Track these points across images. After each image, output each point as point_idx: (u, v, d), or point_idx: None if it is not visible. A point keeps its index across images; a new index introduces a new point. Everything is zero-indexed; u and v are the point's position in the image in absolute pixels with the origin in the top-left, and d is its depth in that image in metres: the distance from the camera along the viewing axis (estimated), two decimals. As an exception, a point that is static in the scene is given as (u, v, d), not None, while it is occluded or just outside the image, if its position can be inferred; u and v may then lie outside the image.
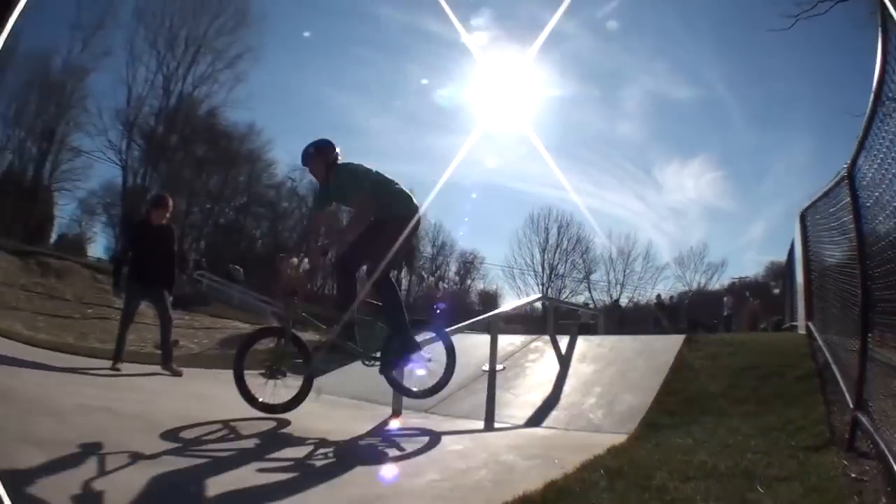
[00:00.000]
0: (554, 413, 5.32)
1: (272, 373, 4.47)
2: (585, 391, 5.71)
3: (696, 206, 46.12)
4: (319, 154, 5.03)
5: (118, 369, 6.28)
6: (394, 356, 4.66)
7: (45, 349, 7.07)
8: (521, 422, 5.19)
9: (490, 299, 32.68)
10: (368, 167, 4.99)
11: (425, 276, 31.68)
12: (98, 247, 29.89)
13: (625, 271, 34.99)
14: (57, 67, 27.43)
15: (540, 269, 34.47)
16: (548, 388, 5.92)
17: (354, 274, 4.91)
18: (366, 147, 34.39)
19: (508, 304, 24.70)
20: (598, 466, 3.19)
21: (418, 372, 4.83)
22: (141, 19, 28.09)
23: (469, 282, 34.68)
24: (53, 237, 28.92)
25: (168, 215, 6.92)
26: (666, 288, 33.01)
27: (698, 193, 43.62)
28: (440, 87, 29.60)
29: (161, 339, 6.80)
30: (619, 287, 34.53)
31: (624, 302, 32.80)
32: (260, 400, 4.37)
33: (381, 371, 4.69)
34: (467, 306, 29.80)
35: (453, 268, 34.51)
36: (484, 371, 5.87)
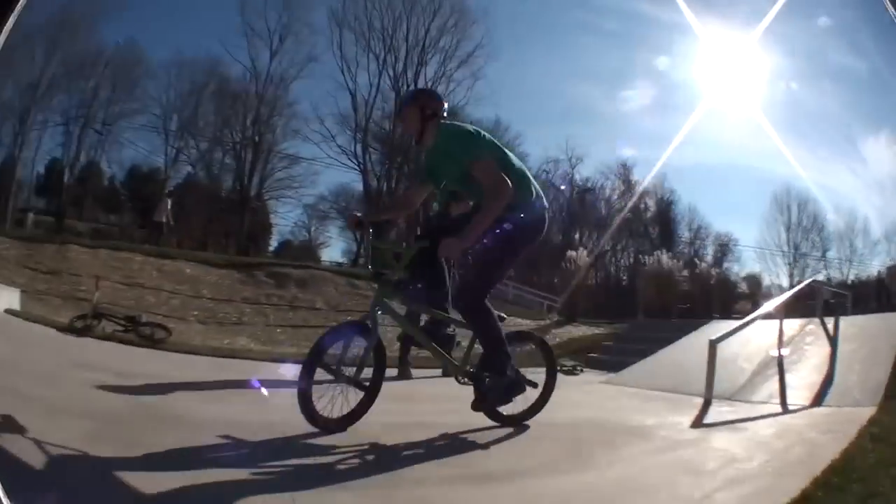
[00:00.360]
0: (833, 391, 5.81)
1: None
2: (853, 369, 6.20)
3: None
4: (415, 102, 4.05)
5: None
6: (490, 397, 3.91)
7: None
8: (808, 402, 5.68)
9: (755, 283, 31.73)
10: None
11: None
12: (334, 251, 30.40)
13: (850, 248, 32.03)
14: (237, 75, 28.46)
15: (786, 249, 32.76)
16: (823, 369, 6.43)
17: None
18: (610, 133, 33.79)
19: (779, 290, 24.37)
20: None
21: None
22: (342, 24, 28.03)
23: (724, 266, 33.57)
24: (273, 245, 30.19)
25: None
26: (881, 264, 29.67)
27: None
28: (667, 68, 28.20)
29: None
30: (848, 263, 31.64)
31: (851, 279, 30.21)
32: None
33: (474, 406, 3.95)
34: (729, 291, 29.58)
35: (710, 251, 33.43)
36: (773, 356, 6.60)
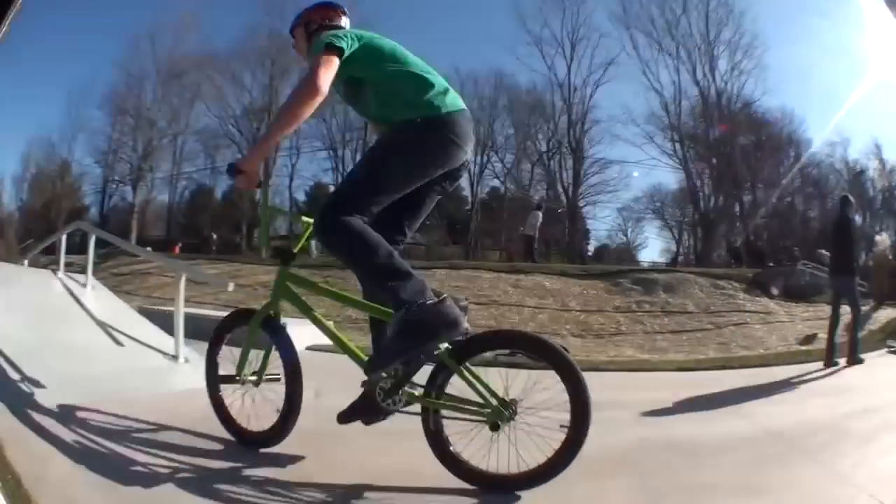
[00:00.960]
0: None
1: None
2: None
3: None
4: (298, 21, 3.33)
5: (836, 363, 6.70)
6: (373, 359, 2.73)
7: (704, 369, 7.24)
8: None
9: None
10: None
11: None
12: (652, 251, 30.93)
13: None
14: (530, 86, 29.49)
15: None
16: None
17: None
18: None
19: None
20: None
21: None
22: (629, 25, 28.32)
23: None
24: (590, 251, 30.48)
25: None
26: None
27: None
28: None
29: (852, 330, 6.93)
30: None
31: None
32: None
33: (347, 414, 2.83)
34: None
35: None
36: None
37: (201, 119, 33.58)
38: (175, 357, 5.16)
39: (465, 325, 2.54)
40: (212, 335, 3.43)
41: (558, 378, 2.50)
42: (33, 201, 39.36)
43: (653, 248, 31.33)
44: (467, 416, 2.63)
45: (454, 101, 2.89)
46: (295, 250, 3.15)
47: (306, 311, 3.03)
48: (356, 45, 2.86)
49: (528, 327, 11.06)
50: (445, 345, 2.62)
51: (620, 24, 28.47)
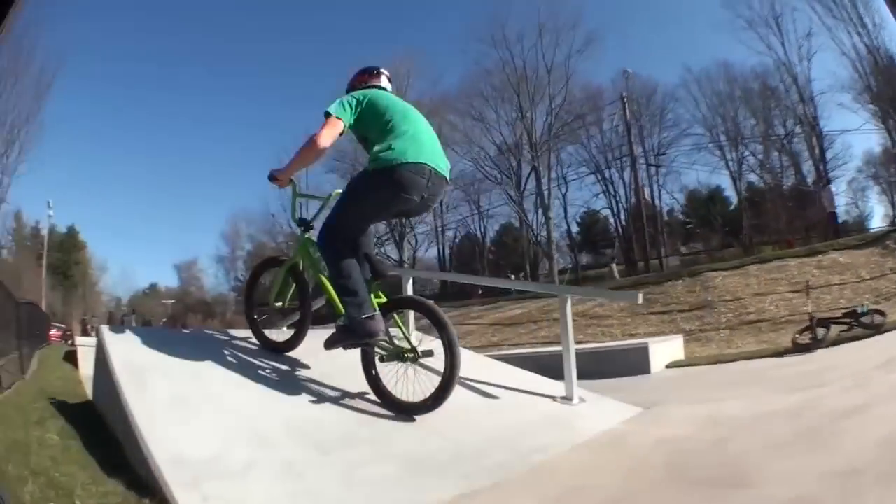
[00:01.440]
0: None
1: None
2: None
3: None
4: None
5: None
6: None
7: None
8: None
9: None
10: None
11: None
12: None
13: None
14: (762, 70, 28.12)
15: None
16: None
17: None
18: None
19: None
20: None
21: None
22: None
23: None
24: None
25: None
26: None
27: None
28: None
29: None
30: None
31: None
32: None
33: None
34: None
35: None
36: None
37: (455, 165, 35.01)
38: (568, 398, 4.77)
39: (381, 333, 3.81)
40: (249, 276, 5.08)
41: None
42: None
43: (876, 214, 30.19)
44: (395, 355, 3.99)
45: (407, 154, 3.63)
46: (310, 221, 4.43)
47: (316, 271, 4.23)
48: (357, 108, 3.81)
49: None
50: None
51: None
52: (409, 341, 3.98)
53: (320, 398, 4.04)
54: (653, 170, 29.61)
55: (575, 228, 33.17)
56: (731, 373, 8.19)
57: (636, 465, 3.37)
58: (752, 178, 29.90)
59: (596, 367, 6.78)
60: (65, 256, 50.72)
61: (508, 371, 5.53)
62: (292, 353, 4.63)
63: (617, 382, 5.39)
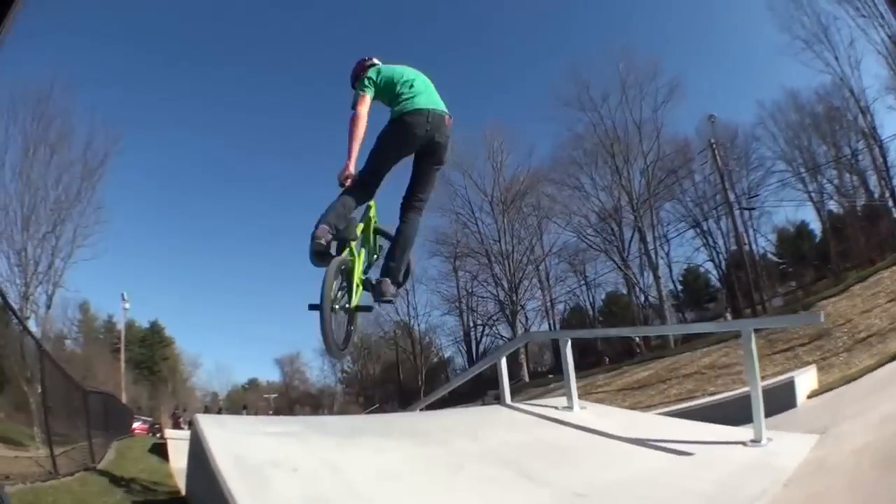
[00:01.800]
0: None
1: None
2: None
3: None
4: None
5: None
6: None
7: None
8: None
9: None
10: None
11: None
12: None
13: None
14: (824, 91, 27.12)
15: None
16: None
17: None
18: None
19: None
20: None
21: None
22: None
23: None
24: None
25: None
26: None
27: None
28: None
29: None
30: None
31: None
32: None
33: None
34: None
35: None
36: None
37: (554, 238, 34.04)
38: (757, 441, 4.60)
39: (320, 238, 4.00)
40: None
41: None
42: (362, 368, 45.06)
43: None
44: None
45: (414, 105, 4.38)
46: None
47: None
48: (374, 83, 4.60)
49: None
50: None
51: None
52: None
53: (478, 488, 3.60)
54: (746, 214, 28.68)
55: (678, 287, 32.59)
56: (865, 387, 7.96)
57: (853, 476, 3.46)
58: (831, 205, 28.93)
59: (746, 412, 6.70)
60: (149, 352, 50.62)
61: (687, 426, 5.47)
62: (434, 434, 4.40)
63: (773, 420, 5.29)
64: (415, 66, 4.76)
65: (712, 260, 31.23)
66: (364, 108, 4.45)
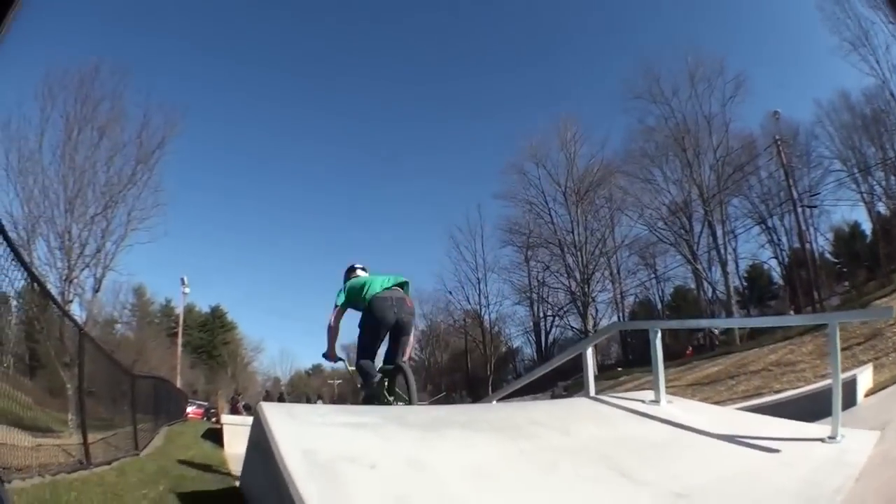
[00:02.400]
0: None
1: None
2: None
3: None
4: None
5: None
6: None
7: None
8: None
9: None
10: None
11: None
12: None
13: None
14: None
15: None
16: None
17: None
18: None
19: None
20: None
21: None
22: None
23: None
24: None
25: None
26: None
27: None
28: None
29: None
30: None
31: None
32: None
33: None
34: None
35: None
36: None
37: (626, 230, 33.89)
38: (833, 437, 4.53)
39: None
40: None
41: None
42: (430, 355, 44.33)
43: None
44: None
45: (373, 291, 5.84)
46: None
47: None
48: (346, 294, 6.12)
49: None
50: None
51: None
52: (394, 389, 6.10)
53: (578, 487, 3.40)
54: (808, 212, 27.94)
55: (743, 284, 32.14)
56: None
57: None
58: (880, 206, 28.47)
59: (813, 408, 6.71)
60: (208, 336, 51.19)
61: (768, 422, 5.34)
62: (523, 427, 4.24)
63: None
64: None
65: (776, 257, 30.89)
66: (336, 320, 6.12)
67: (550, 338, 39.11)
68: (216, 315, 52.72)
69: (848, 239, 29.78)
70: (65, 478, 5.39)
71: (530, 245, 36.04)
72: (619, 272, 34.62)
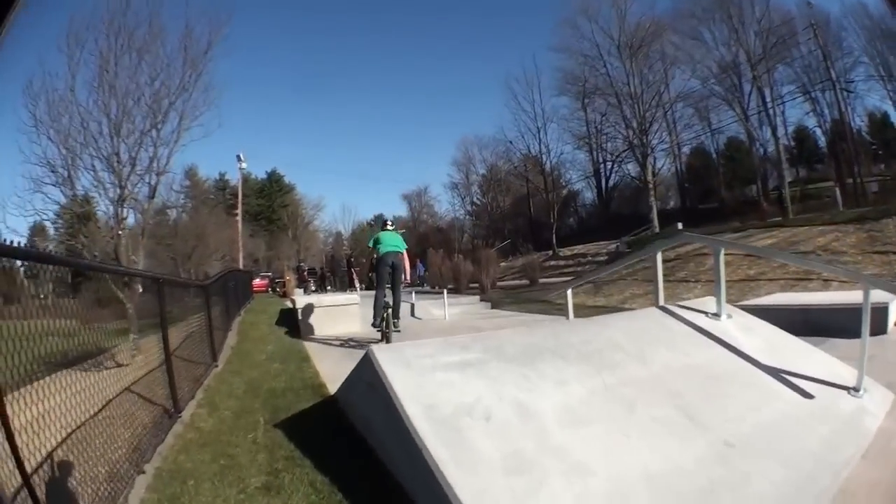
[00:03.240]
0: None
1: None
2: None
3: None
4: None
5: None
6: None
7: None
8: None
9: None
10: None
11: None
12: None
13: None
14: None
15: None
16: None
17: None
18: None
19: None
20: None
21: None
22: None
23: None
24: None
25: None
26: None
27: None
28: None
29: None
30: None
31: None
32: None
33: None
34: None
35: None
36: None
37: (681, 84, 33.82)
38: (856, 389, 4.57)
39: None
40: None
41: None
42: (492, 200, 46.08)
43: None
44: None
45: (384, 248, 8.96)
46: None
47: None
48: (372, 241, 9.34)
49: None
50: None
51: None
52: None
53: (649, 429, 3.54)
54: (844, 94, 28.61)
55: (792, 144, 32.40)
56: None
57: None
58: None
59: (835, 323, 6.39)
60: (267, 202, 53.53)
61: (808, 353, 5.25)
62: (606, 353, 4.44)
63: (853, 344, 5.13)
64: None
65: (819, 126, 31.54)
66: (371, 254, 9.44)
67: (610, 183, 41.34)
68: (273, 179, 55.43)
69: (880, 126, 30.11)
70: (165, 442, 4.59)
71: (586, 93, 36.50)
72: (675, 124, 35.31)
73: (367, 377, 4.01)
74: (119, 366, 5.07)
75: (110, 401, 4.07)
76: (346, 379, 4.84)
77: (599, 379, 3.99)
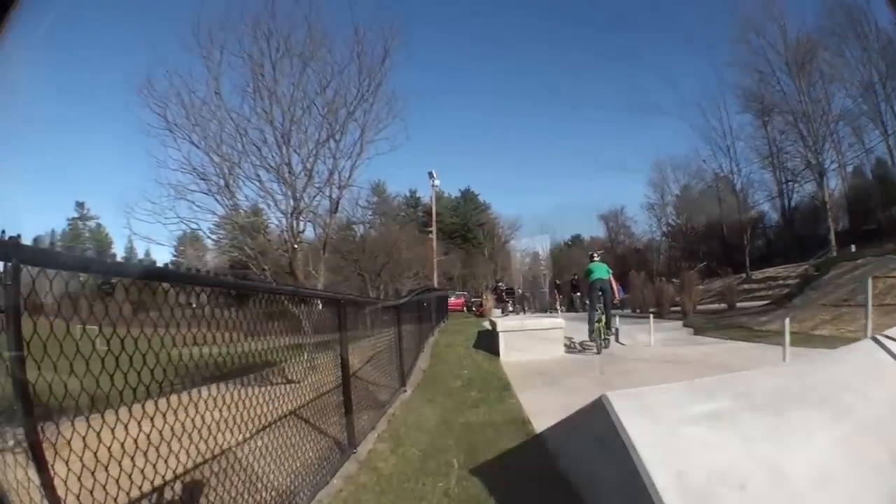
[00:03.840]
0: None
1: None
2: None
3: None
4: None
5: None
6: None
7: None
8: None
9: None
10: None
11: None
12: None
13: None
14: None
15: None
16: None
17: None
18: None
19: None
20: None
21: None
22: None
23: None
24: None
25: None
26: None
27: None
28: None
29: None
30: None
31: None
32: None
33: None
34: None
35: None
36: None
37: (838, 103, 33.28)
38: None
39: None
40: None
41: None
42: (686, 221, 44.66)
43: None
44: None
45: (595, 276, 12.15)
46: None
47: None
48: (585, 272, 13.20)
49: None
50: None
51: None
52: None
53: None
54: None
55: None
56: None
57: None
58: None
59: None
60: (461, 220, 53.78)
61: None
62: (835, 399, 3.75)
63: None
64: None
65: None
66: (582, 280, 14.18)
67: (792, 203, 40.11)
68: (467, 198, 56.61)
69: None
70: (331, 485, 4.03)
71: (764, 110, 36.67)
72: (839, 143, 34.75)
73: (596, 428, 3.52)
74: (289, 382, 4.41)
75: (266, 426, 3.45)
76: (564, 421, 4.31)
77: (839, 428, 3.43)
